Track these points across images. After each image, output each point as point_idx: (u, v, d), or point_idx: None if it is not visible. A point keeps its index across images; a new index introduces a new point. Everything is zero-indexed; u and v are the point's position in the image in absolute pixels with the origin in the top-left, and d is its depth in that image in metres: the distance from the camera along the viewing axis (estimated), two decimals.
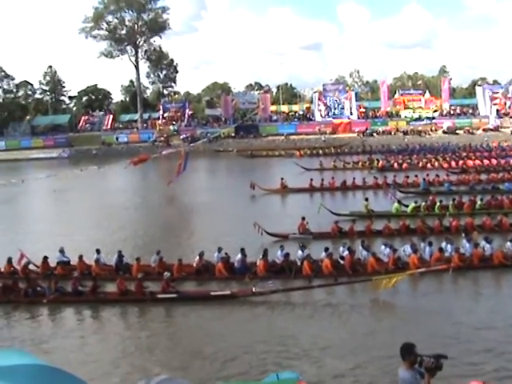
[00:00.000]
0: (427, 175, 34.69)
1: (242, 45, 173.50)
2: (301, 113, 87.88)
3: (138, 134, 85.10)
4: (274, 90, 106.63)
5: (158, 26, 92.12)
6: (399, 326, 13.35)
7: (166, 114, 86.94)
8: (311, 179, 35.86)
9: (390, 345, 11.16)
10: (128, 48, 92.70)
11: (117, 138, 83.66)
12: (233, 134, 79.31)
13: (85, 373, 11.42)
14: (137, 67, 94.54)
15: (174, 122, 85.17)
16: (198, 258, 18.14)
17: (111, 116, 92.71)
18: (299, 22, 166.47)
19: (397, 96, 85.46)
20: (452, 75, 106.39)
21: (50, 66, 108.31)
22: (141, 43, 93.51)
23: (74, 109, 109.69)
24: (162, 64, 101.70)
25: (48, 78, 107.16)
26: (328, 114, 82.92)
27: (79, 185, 44.30)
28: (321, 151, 61.26)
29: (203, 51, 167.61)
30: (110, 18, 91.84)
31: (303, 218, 23.00)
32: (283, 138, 77.40)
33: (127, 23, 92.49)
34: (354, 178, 35.62)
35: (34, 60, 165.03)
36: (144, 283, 16.08)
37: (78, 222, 30.44)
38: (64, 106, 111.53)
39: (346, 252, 17.73)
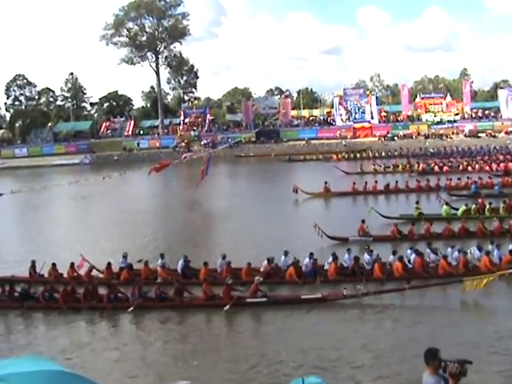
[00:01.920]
0: (468, 178, 34.91)
1: (262, 50, 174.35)
2: (321, 117, 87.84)
3: (159, 139, 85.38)
4: (295, 95, 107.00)
5: (179, 32, 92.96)
6: (463, 332, 13.44)
7: (186, 120, 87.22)
8: (354, 183, 36.04)
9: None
10: (148, 54, 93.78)
11: (138, 144, 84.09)
12: (253, 139, 79.37)
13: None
14: (157, 73, 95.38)
15: (194, 128, 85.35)
16: (265, 262, 18.20)
17: (132, 122, 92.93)
18: (319, 27, 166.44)
19: (418, 100, 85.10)
20: (473, 78, 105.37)
21: (72, 73, 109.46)
22: (161, 49, 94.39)
23: (96, 115, 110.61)
24: (183, 70, 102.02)
25: (69, 85, 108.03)
26: (349, 118, 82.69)
27: (103, 191, 44.53)
28: (358, 155, 61.33)
29: (223, 57, 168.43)
30: (130, 24, 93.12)
31: (363, 221, 23.21)
32: (304, 142, 77.49)
33: (147, 30, 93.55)
34: (397, 182, 35.79)
35: (56, 67, 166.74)
36: (234, 287, 16.20)
37: (108, 228, 30.70)
38: (85, 113, 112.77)
39: (414, 255, 17.82)
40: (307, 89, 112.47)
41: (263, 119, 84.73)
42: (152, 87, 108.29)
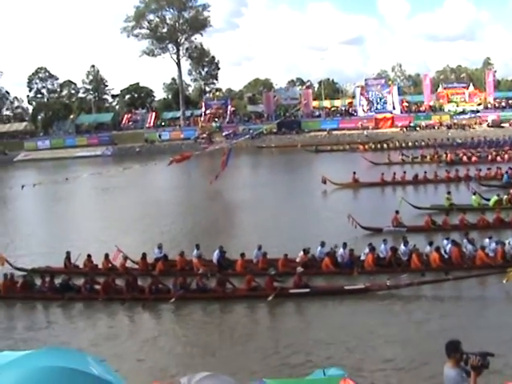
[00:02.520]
0: (498, 168, 34.60)
1: (282, 40, 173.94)
2: (343, 108, 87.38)
3: (181, 131, 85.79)
4: (316, 86, 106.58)
5: (199, 24, 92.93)
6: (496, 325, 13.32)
7: (208, 111, 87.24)
8: (382, 173, 35.95)
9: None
10: (169, 46, 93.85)
11: (159, 136, 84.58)
12: (275, 130, 79.53)
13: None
14: (178, 65, 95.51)
15: (216, 119, 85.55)
16: (301, 253, 18.30)
17: (154, 114, 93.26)
18: (339, 17, 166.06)
19: (440, 89, 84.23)
20: (497, 67, 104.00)
21: (93, 66, 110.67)
22: (182, 41, 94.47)
23: (117, 107, 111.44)
24: (204, 61, 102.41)
25: (91, 77, 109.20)
26: (370, 108, 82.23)
27: (126, 182, 45.00)
28: (385, 145, 60.95)
29: (244, 47, 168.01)
30: (151, 16, 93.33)
31: (397, 212, 23.11)
32: (326, 133, 77.32)
33: (168, 21, 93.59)
34: (426, 172, 35.55)
35: (77, 60, 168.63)
36: (276, 278, 16.38)
37: (133, 220, 30.78)
38: (107, 105, 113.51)
39: (450, 245, 17.76)
40: (328, 79, 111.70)
41: (284, 110, 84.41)
42: (173, 79, 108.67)
